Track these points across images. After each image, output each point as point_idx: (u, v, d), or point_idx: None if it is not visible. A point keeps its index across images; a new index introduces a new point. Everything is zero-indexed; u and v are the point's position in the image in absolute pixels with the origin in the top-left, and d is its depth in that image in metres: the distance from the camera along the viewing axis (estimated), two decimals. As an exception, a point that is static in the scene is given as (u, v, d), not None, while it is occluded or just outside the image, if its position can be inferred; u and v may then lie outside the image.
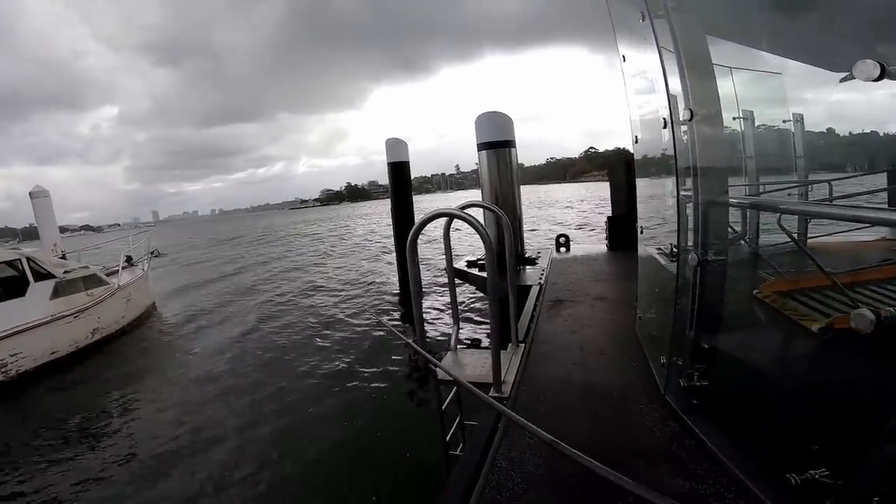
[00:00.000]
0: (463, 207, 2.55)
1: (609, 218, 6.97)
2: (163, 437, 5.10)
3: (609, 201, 7.26)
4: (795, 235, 2.27)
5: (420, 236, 2.28)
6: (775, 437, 1.58)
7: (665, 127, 1.77)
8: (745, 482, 1.51)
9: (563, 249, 6.94)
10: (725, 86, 1.86)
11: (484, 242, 2.17)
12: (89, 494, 4.17)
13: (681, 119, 1.61)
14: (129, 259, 12.20)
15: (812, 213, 1.38)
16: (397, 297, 10.79)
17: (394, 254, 12.05)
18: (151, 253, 13.73)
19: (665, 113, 1.75)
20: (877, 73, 0.81)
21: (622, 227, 6.46)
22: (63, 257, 11.42)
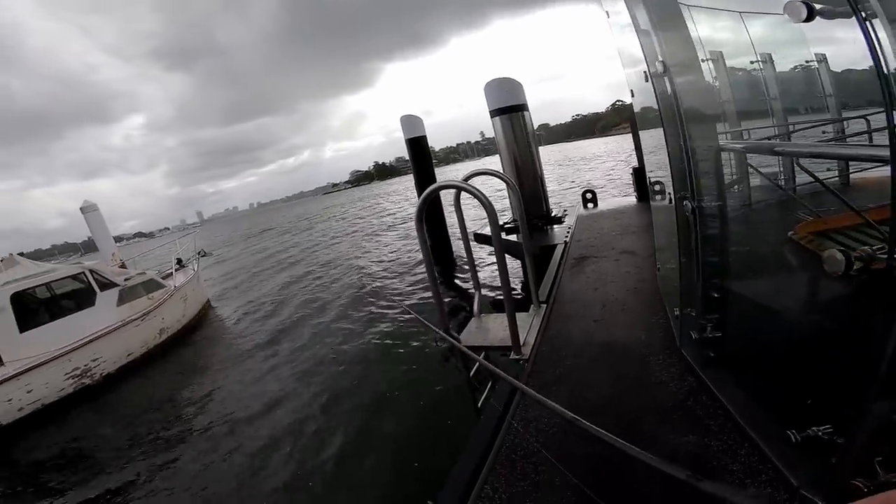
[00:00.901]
0: (467, 178, 2.58)
1: (634, 169, 6.75)
2: (244, 413, 5.66)
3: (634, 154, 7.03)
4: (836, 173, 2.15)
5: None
6: (784, 391, 1.56)
7: (646, 80, 1.73)
8: (755, 438, 1.51)
9: (590, 205, 6.82)
10: (738, 30, 1.76)
11: (486, 211, 2.21)
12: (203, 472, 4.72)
13: (658, 72, 1.56)
14: (179, 261, 12.94)
15: (803, 153, 1.34)
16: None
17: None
18: (198, 253, 14.45)
19: (645, 67, 1.71)
20: (804, 14, 0.79)
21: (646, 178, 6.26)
22: (122, 265, 12.27)
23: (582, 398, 2.06)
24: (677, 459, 1.55)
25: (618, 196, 8.63)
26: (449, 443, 3.98)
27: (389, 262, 13.99)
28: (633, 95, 2.52)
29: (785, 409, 1.47)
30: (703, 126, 1.61)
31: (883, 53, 0.79)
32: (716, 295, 1.84)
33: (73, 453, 5.70)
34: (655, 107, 1.88)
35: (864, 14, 0.82)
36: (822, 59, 1.48)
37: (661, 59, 1.54)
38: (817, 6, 0.82)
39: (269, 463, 4.53)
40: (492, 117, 5.90)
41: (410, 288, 10.35)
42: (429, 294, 9.74)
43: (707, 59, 1.54)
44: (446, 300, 8.68)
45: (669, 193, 1.88)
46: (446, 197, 2.96)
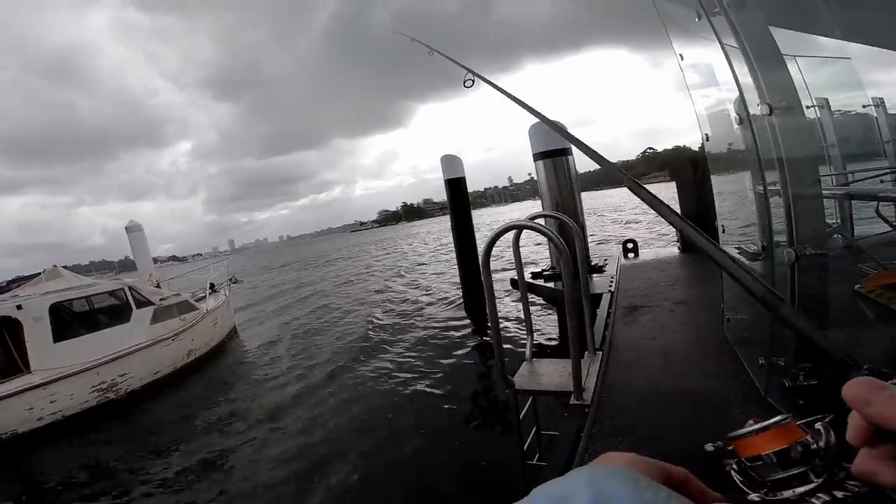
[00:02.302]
0: (532, 218, 2.57)
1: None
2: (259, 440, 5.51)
3: (677, 202, 6.92)
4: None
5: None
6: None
7: (740, 123, 1.71)
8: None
9: (631, 255, 6.69)
10: (793, 73, 1.76)
11: (558, 250, 2.18)
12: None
13: (759, 114, 1.54)
14: (212, 286, 13.23)
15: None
16: (462, 311, 10.75)
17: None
18: (230, 280, 14.80)
19: (737, 108, 1.69)
20: None
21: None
22: (158, 286, 12.61)
23: (657, 446, 1.91)
24: None
25: (656, 247, 8.44)
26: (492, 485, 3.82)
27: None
28: (707, 139, 2.49)
29: None
30: (804, 170, 1.56)
31: None
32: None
33: (89, 468, 5.63)
34: (736, 150, 1.85)
35: None
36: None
37: (766, 101, 1.51)
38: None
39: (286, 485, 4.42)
40: (535, 160, 5.96)
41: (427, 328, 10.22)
42: (452, 334, 9.68)
43: (812, 106, 1.52)
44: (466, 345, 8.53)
45: (762, 244, 1.81)
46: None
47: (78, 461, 5.84)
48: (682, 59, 2.51)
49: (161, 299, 9.74)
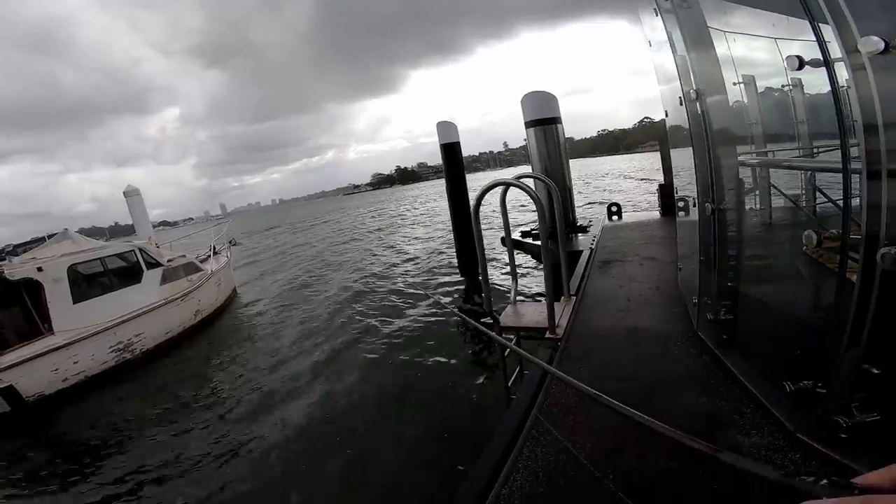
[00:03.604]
0: (518, 178, 2.99)
1: (660, 185, 7.08)
2: (266, 391, 6.06)
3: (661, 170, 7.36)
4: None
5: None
6: (782, 360, 1.87)
7: (681, 104, 2.12)
8: (759, 397, 1.84)
9: (615, 217, 7.16)
10: (772, 55, 2.06)
11: (536, 206, 2.61)
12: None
13: (692, 97, 1.96)
14: (213, 248, 13.57)
15: (795, 166, 1.72)
16: (455, 267, 11.39)
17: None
18: (230, 242, 15.11)
19: (680, 90, 2.10)
20: (797, 65, 1.19)
21: (673, 193, 6.59)
22: (157, 248, 12.89)
23: (610, 370, 2.42)
24: (694, 416, 1.88)
25: (640, 211, 8.93)
26: (478, 419, 4.37)
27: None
28: (667, 115, 2.90)
29: (782, 370, 1.81)
30: (726, 143, 1.99)
31: (837, 92, 1.17)
32: (729, 283, 2.21)
33: (116, 429, 5.81)
34: (687, 126, 2.27)
35: (832, 64, 1.21)
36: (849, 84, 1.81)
37: (695, 86, 1.92)
38: (806, 58, 1.21)
39: (301, 434, 4.89)
40: (526, 128, 6.33)
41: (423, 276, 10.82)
42: (446, 281, 10.30)
43: (739, 83, 1.92)
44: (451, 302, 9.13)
45: (694, 199, 2.25)
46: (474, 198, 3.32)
47: (106, 422, 6.06)
48: (650, 45, 2.88)
49: (168, 260, 10.07)
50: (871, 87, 1.05)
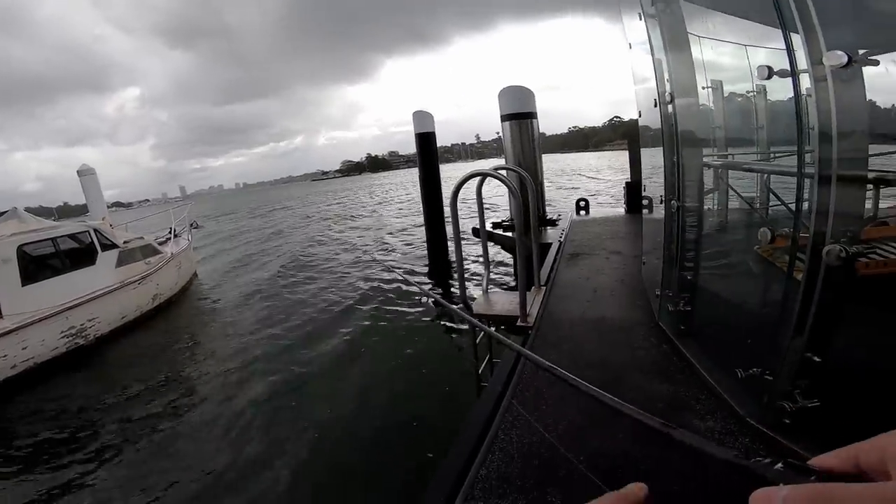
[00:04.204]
0: (495, 169, 3.05)
1: (627, 183, 7.33)
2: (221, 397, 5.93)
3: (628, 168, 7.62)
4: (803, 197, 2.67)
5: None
6: (734, 350, 2.01)
7: (655, 106, 2.23)
8: (714, 385, 1.97)
9: (583, 212, 7.37)
10: (741, 61, 2.19)
11: (514, 198, 2.68)
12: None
13: (666, 99, 2.07)
14: (173, 231, 13.09)
15: (757, 169, 1.86)
16: (425, 255, 11.44)
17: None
18: (191, 225, 14.60)
19: (656, 93, 2.21)
20: (766, 74, 1.30)
21: (639, 191, 6.84)
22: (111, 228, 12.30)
23: (578, 358, 2.54)
24: (654, 401, 2.00)
25: (607, 207, 9.26)
26: (448, 407, 4.46)
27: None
28: (640, 115, 3.03)
29: (734, 359, 1.96)
30: (693, 144, 2.12)
31: (800, 101, 1.29)
32: (689, 277, 2.36)
33: (65, 418, 5.54)
34: (659, 126, 2.38)
35: (798, 74, 1.32)
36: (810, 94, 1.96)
37: (668, 87, 2.03)
38: (776, 68, 1.32)
39: (260, 427, 4.78)
40: (502, 121, 6.43)
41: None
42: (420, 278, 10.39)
43: (708, 87, 2.04)
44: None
45: (661, 196, 2.39)
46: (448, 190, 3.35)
47: (57, 412, 5.71)
48: (630, 47, 2.99)
49: (124, 242, 9.64)
50: (829, 99, 1.16)
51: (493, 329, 3.50)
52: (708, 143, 2.24)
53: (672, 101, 2.06)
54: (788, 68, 1.34)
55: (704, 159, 2.14)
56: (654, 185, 3.19)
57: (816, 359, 1.34)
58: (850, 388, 1.42)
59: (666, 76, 2.15)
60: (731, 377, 1.78)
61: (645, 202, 3.48)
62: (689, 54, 2.08)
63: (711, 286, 2.43)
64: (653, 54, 2.21)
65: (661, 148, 2.38)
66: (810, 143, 1.29)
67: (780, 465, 0.36)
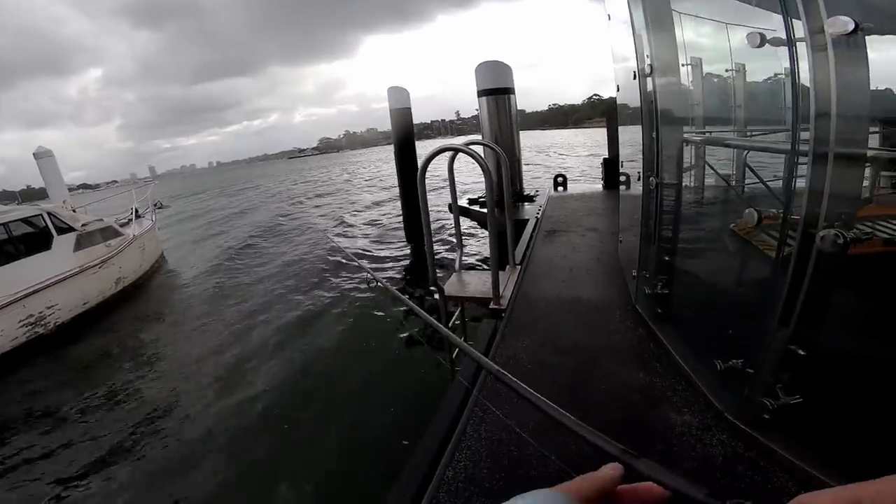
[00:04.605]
0: (467, 144, 2.87)
1: (605, 160, 7.23)
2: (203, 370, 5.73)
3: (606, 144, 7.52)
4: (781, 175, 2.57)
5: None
6: (714, 339, 1.90)
7: (634, 78, 2.08)
8: (691, 376, 1.88)
9: (560, 188, 7.27)
10: (721, 39, 2.06)
11: (484, 174, 2.52)
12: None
13: (645, 71, 1.91)
14: (135, 211, 12.54)
15: (738, 145, 1.74)
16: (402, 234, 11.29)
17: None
18: (155, 205, 14.03)
19: (635, 66, 2.06)
20: (758, 42, 1.15)
21: (617, 168, 6.76)
22: (73, 212, 11.72)
23: (552, 342, 2.44)
24: (630, 391, 1.90)
25: (585, 183, 9.19)
26: (423, 393, 4.37)
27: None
28: (618, 90, 2.87)
29: (713, 349, 1.87)
30: (673, 120, 1.98)
31: (797, 73, 1.15)
32: (666, 258, 2.26)
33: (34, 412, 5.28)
34: (637, 101, 2.23)
35: (794, 43, 1.18)
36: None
37: (648, 61, 1.88)
38: (769, 36, 1.18)
39: (231, 412, 4.64)
40: (479, 97, 6.22)
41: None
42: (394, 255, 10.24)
43: (688, 64, 1.90)
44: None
45: (639, 173, 2.26)
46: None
47: (23, 407, 5.40)
48: (609, 18, 2.80)
49: (83, 225, 9.15)
50: (828, 70, 1.02)
51: (458, 312, 3.38)
52: (687, 119, 2.10)
53: (652, 73, 1.91)
54: (783, 37, 1.19)
55: (685, 135, 2.00)
56: (631, 163, 3.07)
57: (801, 352, 1.24)
58: (834, 383, 1.33)
59: (646, 49, 1.99)
60: (709, 368, 1.68)
61: (623, 178, 3.36)
62: (671, 27, 1.92)
63: (690, 268, 2.34)
64: (633, 27, 2.04)
65: (639, 125, 2.25)
66: (800, 121, 1.16)
67: None
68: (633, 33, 2.03)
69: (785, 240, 1.26)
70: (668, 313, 2.32)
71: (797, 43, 1.18)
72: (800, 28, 1.11)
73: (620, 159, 3.19)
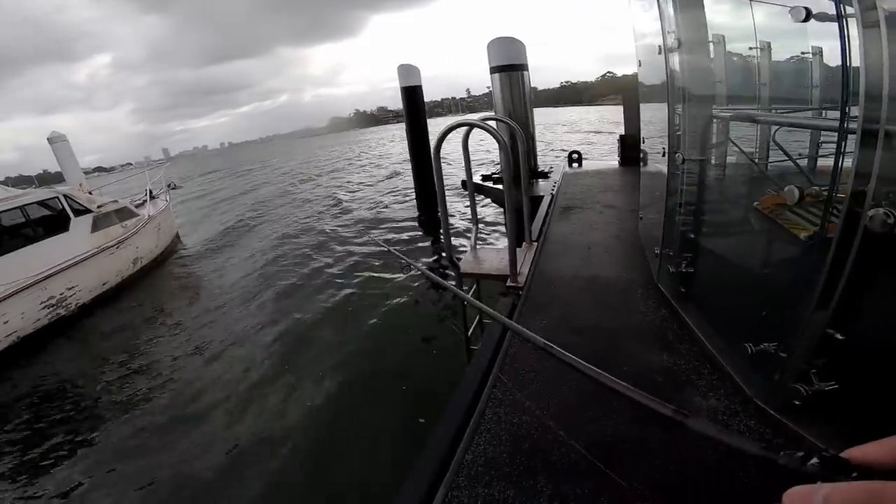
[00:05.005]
0: (483, 119, 2.78)
1: (621, 136, 7.04)
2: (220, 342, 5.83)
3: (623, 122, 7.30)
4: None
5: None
6: (742, 320, 1.83)
7: (659, 53, 1.97)
8: (717, 358, 1.82)
9: (575, 165, 7.11)
10: (745, 16, 1.93)
11: (501, 149, 2.44)
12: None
13: (672, 46, 1.80)
14: (150, 193, 12.64)
15: (771, 121, 1.64)
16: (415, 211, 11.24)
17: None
18: (169, 185, 14.13)
19: (660, 41, 1.94)
20: (803, 15, 1.06)
21: (633, 145, 6.57)
22: (90, 194, 11.85)
23: (571, 321, 2.40)
24: (653, 373, 1.85)
25: (600, 159, 8.96)
26: (438, 370, 4.40)
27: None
28: (639, 66, 2.74)
29: (742, 331, 1.78)
30: (700, 97, 1.87)
31: (850, 51, 1.06)
32: (692, 236, 2.18)
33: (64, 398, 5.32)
34: (661, 78, 2.12)
35: (845, 18, 1.08)
36: (818, 52, 1.71)
37: (676, 36, 1.77)
38: (814, 10, 1.08)
39: (253, 389, 4.74)
40: (491, 73, 6.09)
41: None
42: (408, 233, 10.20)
43: (714, 41, 1.78)
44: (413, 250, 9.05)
45: (663, 149, 2.16)
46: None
47: (50, 389, 5.55)
48: None
49: (98, 206, 9.25)
50: (881, 48, 0.94)
51: (473, 289, 3.34)
52: (715, 94, 1.99)
53: (680, 48, 1.80)
54: (832, 12, 1.10)
55: (714, 112, 1.90)
56: (654, 137, 2.95)
57: (839, 336, 1.18)
58: (871, 370, 1.27)
59: (673, 23, 1.88)
60: (735, 350, 1.63)
61: (643, 154, 3.24)
62: (699, 2, 1.80)
63: (715, 246, 2.25)
64: (658, 1, 1.92)
65: (661, 102, 2.14)
66: (850, 98, 1.08)
67: (814, 459, 0.32)
68: (659, 8, 1.91)
69: (828, 218, 1.18)
70: (692, 293, 2.25)
71: (847, 18, 1.09)
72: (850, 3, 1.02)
73: (641, 136, 3.07)
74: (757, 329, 1.57)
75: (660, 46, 1.97)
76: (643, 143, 3.06)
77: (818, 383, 1.27)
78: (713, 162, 2.04)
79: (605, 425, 1.53)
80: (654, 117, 2.63)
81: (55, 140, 13.07)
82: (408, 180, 13.11)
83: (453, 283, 3.21)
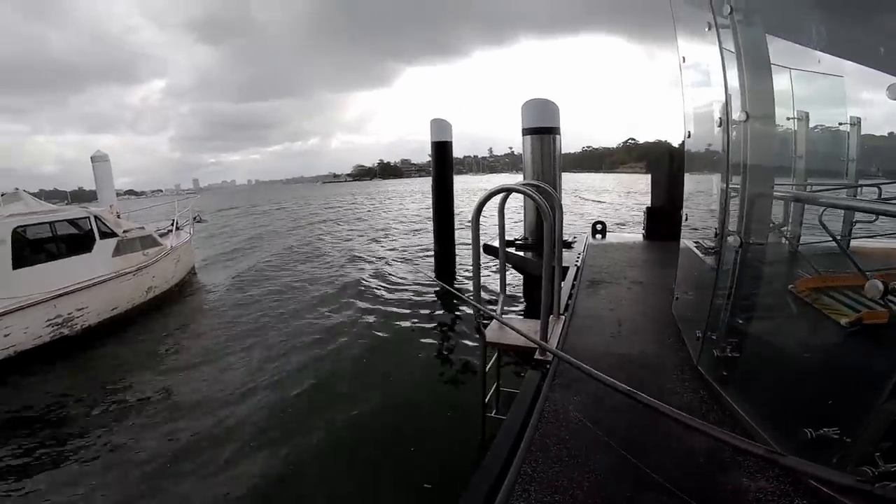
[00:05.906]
0: (522, 185, 2.78)
1: (648, 208, 7.03)
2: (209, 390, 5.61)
3: (649, 193, 7.31)
4: (838, 236, 2.38)
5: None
6: (794, 404, 1.76)
7: (720, 125, 1.95)
8: (767, 439, 1.69)
9: (598, 236, 7.07)
10: (782, 84, 1.98)
11: (544, 217, 2.40)
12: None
13: (737, 119, 1.79)
14: (176, 223, 12.85)
15: (842, 206, 1.58)
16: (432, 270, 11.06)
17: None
18: (194, 218, 14.35)
19: (720, 112, 1.93)
20: None
21: (661, 217, 6.54)
22: (118, 217, 12.12)
23: (606, 398, 2.23)
24: (694, 456, 1.73)
25: (623, 232, 8.96)
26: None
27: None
28: (689, 136, 2.75)
29: (792, 415, 1.68)
30: (763, 174, 1.83)
31: None
32: (740, 322, 2.06)
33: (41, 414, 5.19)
34: (719, 150, 2.10)
35: None
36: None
37: (742, 109, 1.75)
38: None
39: (257, 454, 4.29)
40: (524, 135, 6.18)
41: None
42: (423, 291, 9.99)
43: (792, 118, 1.77)
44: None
45: (716, 230, 2.09)
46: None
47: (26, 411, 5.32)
48: (683, 60, 2.72)
49: (124, 231, 9.39)
50: None
51: (494, 359, 3.19)
52: (779, 172, 1.95)
53: (747, 121, 1.78)
54: None
55: (776, 191, 1.85)
56: (699, 213, 2.90)
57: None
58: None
59: (738, 95, 1.88)
60: (784, 434, 1.55)
61: (692, 226, 3.17)
62: (767, 72, 1.81)
63: (761, 331, 2.13)
64: (724, 69, 1.93)
65: (717, 174, 2.11)
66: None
67: None
68: (724, 74, 1.91)
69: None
70: (735, 376, 2.10)
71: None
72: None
73: (684, 211, 3.02)
74: (811, 414, 1.51)
75: (720, 118, 1.96)
76: (685, 218, 3.00)
77: (884, 465, 1.20)
78: (770, 244, 1.96)
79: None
80: (701, 191, 2.59)
81: (98, 159, 13.53)
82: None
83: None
